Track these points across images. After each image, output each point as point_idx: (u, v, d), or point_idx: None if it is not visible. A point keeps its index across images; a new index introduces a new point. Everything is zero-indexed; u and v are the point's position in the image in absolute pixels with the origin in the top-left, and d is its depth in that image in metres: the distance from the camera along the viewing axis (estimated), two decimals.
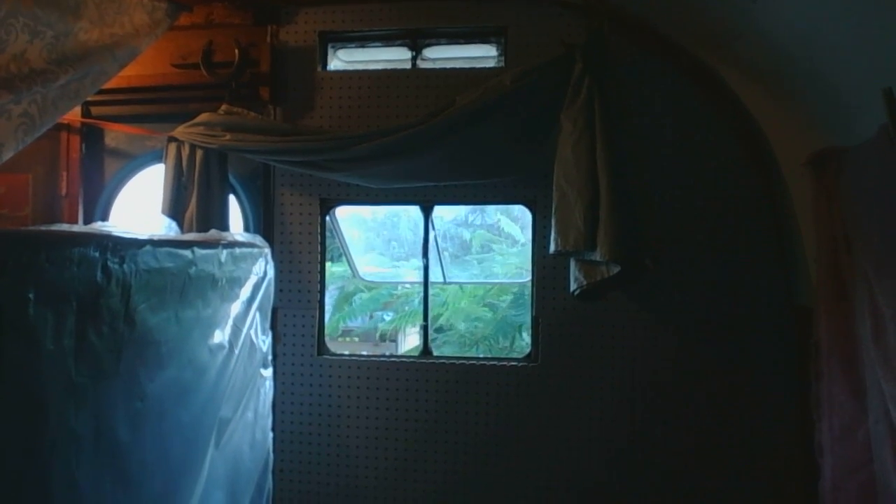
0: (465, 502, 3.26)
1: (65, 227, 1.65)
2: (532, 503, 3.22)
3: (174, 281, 1.92)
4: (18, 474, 1.27)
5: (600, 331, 3.20)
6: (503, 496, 3.24)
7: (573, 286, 2.95)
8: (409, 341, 9.33)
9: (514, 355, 3.34)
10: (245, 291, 2.53)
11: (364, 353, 3.34)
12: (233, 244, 2.46)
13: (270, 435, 3.00)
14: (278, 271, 3.23)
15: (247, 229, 3.37)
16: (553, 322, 3.23)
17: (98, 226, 2.87)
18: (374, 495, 3.31)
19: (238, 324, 2.44)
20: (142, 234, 1.82)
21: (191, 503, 1.90)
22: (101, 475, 1.58)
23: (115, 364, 1.63)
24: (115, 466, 1.64)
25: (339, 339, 9.57)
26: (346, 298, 9.44)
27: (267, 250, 2.89)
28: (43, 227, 1.54)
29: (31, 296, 1.28)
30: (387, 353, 3.42)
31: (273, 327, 3.16)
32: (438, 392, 3.27)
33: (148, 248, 1.80)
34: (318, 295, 3.38)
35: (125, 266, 1.67)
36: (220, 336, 2.24)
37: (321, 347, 3.39)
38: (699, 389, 3.14)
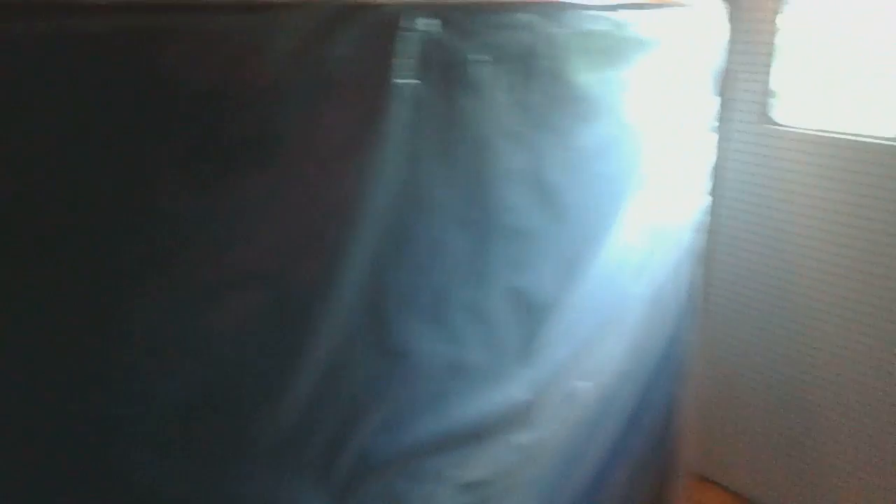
0: None
1: None
2: None
3: (603, 43, 2.05)
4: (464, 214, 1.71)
5: None
6: None
7: None
8: None
9: None
10: (683, 53, 2.46)
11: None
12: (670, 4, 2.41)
13: (708, 199, 2.97)
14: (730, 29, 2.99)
15: None
16: None
17: None
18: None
19: (674, 86, 2.45)
20: None
21: (612, 239, 2.20)
22: (540, 210, 1.97)
23: (548, 118, 1.92)
24: (550, 202, 2.01)
25: None
26: None
27: (721, 9, 2.68)
28: None
29: (473, 57, 1.60)
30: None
31: (721, 92, 2.99)
32: None
33: (579, 12, 1.96)
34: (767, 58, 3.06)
35: (557, 29, 1.87)
36: (653, 97, 2.32)
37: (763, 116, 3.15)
38: None
